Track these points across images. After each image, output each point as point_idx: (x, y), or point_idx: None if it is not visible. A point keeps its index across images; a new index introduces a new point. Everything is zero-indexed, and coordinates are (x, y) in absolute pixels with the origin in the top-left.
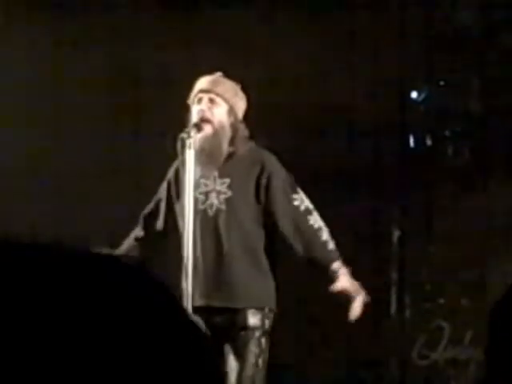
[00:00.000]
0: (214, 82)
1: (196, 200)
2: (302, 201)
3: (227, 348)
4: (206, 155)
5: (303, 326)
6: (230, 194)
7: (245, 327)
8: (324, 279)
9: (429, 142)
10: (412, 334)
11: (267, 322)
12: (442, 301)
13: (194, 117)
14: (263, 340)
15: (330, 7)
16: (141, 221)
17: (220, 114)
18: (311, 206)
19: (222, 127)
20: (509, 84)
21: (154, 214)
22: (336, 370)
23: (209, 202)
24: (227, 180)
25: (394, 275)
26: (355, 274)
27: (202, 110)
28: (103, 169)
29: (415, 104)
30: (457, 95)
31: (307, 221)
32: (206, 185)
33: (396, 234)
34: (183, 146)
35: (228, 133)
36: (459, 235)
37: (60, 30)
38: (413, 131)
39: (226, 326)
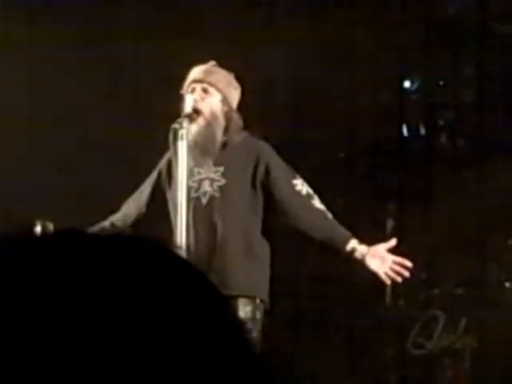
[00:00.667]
0: (207, 72)
1: (189, 188)
2: (302, 185)
3: None
4: (199, 146)
5: (298, 315)
6: (223, 181)
7: None
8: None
9: (423, 132)
10: (407, 323)
11: (258, 314)
12: (436, 290)
13: (187, 107)
14: (254, 332)
15: None
16: (122, 208)
17: (213, 103)
18: (311, 190)
19: (215, 117)
20: (504, 73)
21: (136, 200)
22: (332, 358)
23: (202, 189)
24: (221, 168)
25: None
26: (350, 263)
27: (194, 100)
28: (101, 159)
29: (409, 93)
30: (450, 85)
31: (312, 204)
32: (199, 173)
33: (391, 223)
34: (175, 137)
35: (222, 123)
36: (454, 224)
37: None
38: (407, 121)
39: None
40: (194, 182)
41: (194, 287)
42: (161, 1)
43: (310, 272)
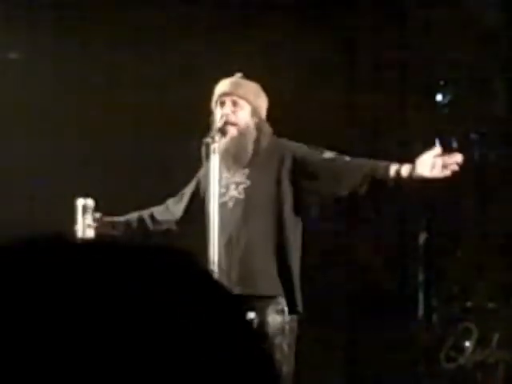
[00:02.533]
0: (236, 84)
1: (218, 194)
2: (329, 153)
3: None
4: (231, 156)
5: (329, 324)
6: (248, 183)
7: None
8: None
9: (455, 145)
10: (440, 336)
11: (287, 327)
12: (469, 303)
13: (218, 121)
14: (284, 346)
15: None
16: (164, 205)
17: (244, 116)
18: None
19: (247, 129)
20: None
21: (176, 201)
22: (363, 371)
23: (229, 194)
24: (246, 170)
25: (422, 277)
26: (383, 277)
27: (226, 114)
28: (131, 171)
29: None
30: (482, 97)
31: (345, 158)
32: (227, 177)
33: (423, 236)
34: (208, 151)
35: (253, 134)
36: (486, 237)
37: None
38: (439, 134)
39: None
40: (222, 187)
41: (204, 293)
42: (188, 15)
43: (341, 283)
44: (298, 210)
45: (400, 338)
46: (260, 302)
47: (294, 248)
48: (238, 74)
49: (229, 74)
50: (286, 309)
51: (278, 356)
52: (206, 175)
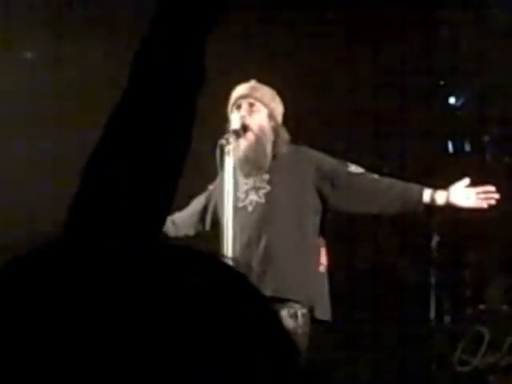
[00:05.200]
0: (252, 88)
1: (237, 199)
2: (357, 168)
3: None
4: (251, 161)
5: (344, 330)
6: (269, 188)
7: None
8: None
9: (467, 148)
10: (452, 339)
11: (300, 331)
12: (482, 306)
13: (235, 123)
14: (298, 341)
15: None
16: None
17: (261, 119)
18: (361, 169)
19: (264, 132)
20: None
21: (203, 210)
22: (376, 374)
23: (248, 198)
24: (266, 176)
25: (434, 280)
26: (395, 279)
27: (242, 117)
28: None
29: (454, 109)
30: (496, 99)
31: (374, 177)
32: (246, 184)
33: (435, 239)
34: (222, 153)
35: (270, 137)
36: (499, 240)
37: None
38: (452, 136)
39: None
40: (241, 193)
41: (236, 293)
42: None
43: (353, 284)
44: (320, 217)
45: (413, 340)
46: (274, 304)
47: (313, 253)
48: (253, 80)
49: (240, 81)
50: (299, 313)
51: None
52: (221, 181)
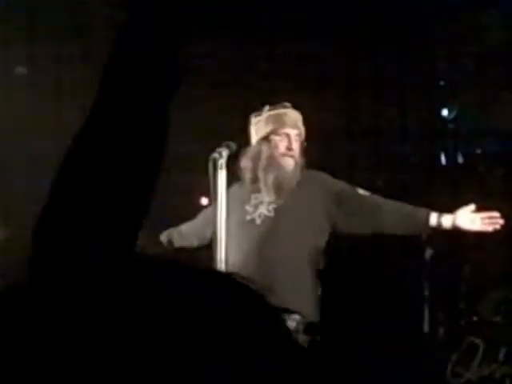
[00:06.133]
0: (294, 118)
1: (245, 212)
2: (362, 191)
3: None
4: (284, 187)
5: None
6: (280, 202)
7: None
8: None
9: (460, 160)
10: (445, 351)
11: (299, 334)
12: (475, 318)
13: (279, 149)
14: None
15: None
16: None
17: (298, 146)
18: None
19: (299, 159)
20: None
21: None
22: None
23: (257, 212)
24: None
25: (427, 292)
26: (388, 291)
27: (286, 147)
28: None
29: (446, 122)
30: (488, 112)
31: (379, 198)
32: (256, 198)
33: (429, 252)
34: (215, 167)
35: (300, 162)
36: (492, 252)
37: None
38: (444, 149)
39: None
40: (250, 206)
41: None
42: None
43: (341, 294)
44: (326, 240)
45: (405, 352)
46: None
47: (316, 269)
48: (287, 104)
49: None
50: (301, 326)
51: None
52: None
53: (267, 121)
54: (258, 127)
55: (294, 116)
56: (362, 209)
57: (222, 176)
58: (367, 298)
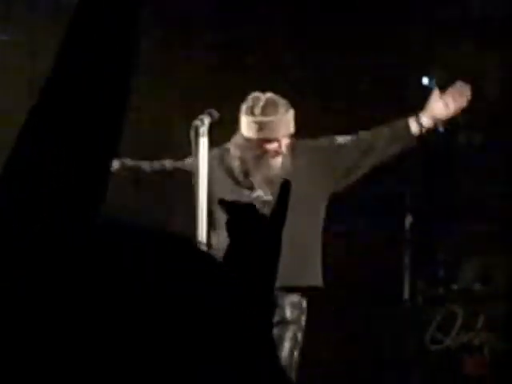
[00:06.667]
0: (287, 123)
1: (241, 195)
2: (340, 137)
3: None
4: (274, 183)
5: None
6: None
7: (282, 320)
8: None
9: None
10: (425, 318)
11: (303, 318)
12: (454, 286)
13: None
14: (299, 335)
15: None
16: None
17: (286, 143)
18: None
19: (286, 152)
20: None
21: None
22: (349, 354)
23: (254, 194)
24: None
25: (407, 260)
26: (369, 259)
27: (274, 150)
28: None
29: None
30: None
31: (357, 133)
32: (248, 196)
33: (409, 219)
34: (197, 134)
35: (289, 154)
36: (473, 222)
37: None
38: None
39: None
40: (247, 188)
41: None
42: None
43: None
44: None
45: (385, 319)
46: (279, 293)
47: (318, 244)
48: (270, 94)
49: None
50: (304, 303)
51: (292, 344)
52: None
53: (259, 127)
54: (249, 127)
55: (286, 121)
56: (351, 152)
57: (204, 143)
58: (343, 266)
